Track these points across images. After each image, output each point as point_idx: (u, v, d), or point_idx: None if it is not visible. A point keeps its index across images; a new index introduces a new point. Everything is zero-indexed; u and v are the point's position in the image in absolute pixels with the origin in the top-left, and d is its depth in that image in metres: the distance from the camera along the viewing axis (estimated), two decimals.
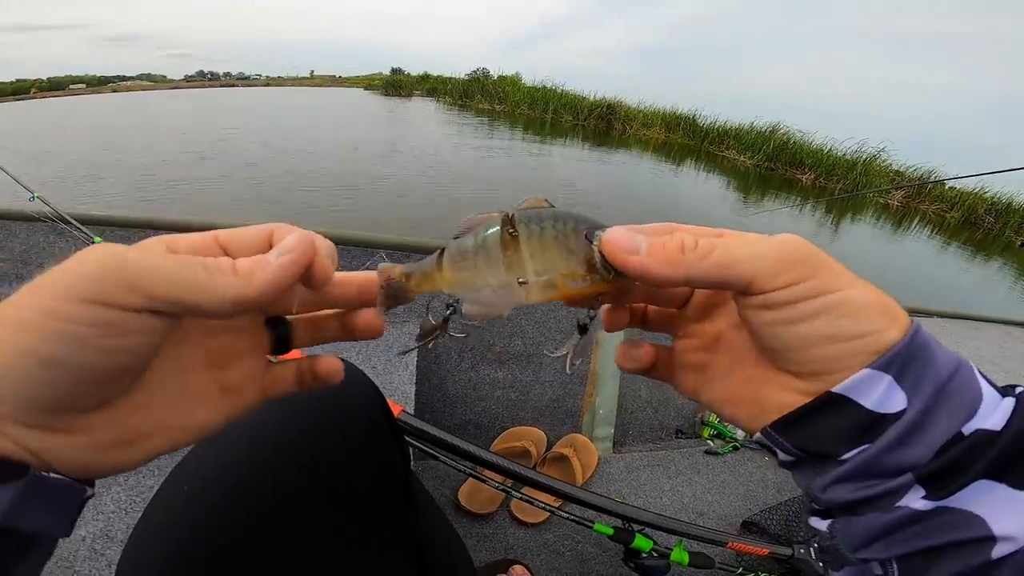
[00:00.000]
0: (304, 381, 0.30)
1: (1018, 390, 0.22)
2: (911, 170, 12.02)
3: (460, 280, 0.26)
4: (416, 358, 1.13)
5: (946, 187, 11.25)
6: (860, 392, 0.21)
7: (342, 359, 0.49)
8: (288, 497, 0.39)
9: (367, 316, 0.29)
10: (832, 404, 0.22)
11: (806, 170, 12.10)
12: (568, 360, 0.29)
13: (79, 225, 1.11)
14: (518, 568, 1.01)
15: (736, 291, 0.24)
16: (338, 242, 1.27)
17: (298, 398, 0.43)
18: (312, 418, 0.43)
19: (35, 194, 1.22)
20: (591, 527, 0.83)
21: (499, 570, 1.01)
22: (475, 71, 20.82)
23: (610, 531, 0.83)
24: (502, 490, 0.85)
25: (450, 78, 20.79)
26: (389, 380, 1.06)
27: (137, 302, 0.20)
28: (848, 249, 6.92)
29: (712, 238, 0.23)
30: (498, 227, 0.25)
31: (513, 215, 0.25)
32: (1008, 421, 0.21)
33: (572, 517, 0.84)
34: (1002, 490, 0.20)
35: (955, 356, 0.22)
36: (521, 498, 0.86)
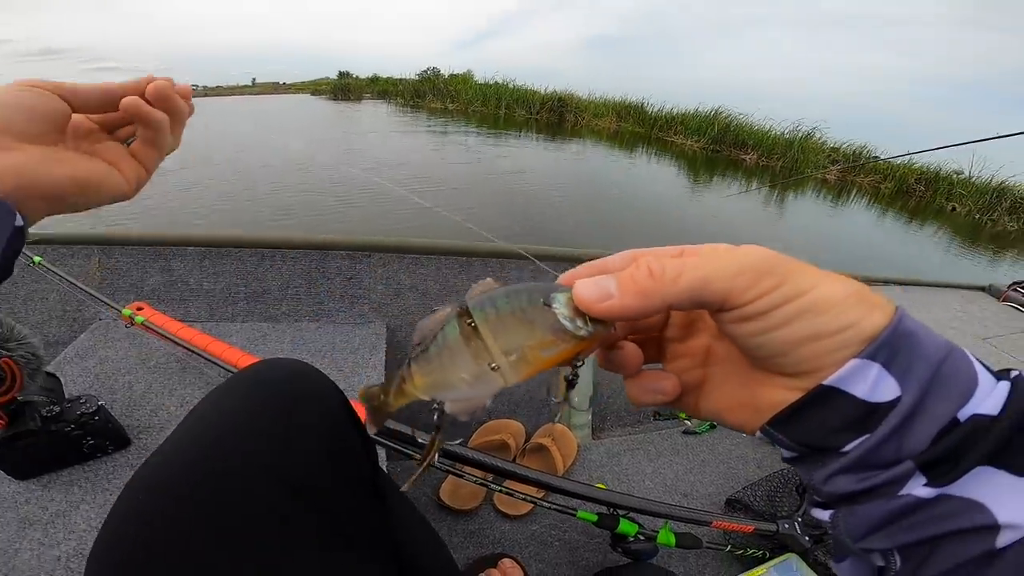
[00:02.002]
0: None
1: (1013, 374, 0.22)
2: (845, 146, 12.64)
3: (433, 383, 0.26)
4: (384, 359, 1.10)
5: (880, 161, 11.92)
6: (850, 382, 0.22)
7: (297, 360, 0.47)
8: (253, 498, 0.38)
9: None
10: (824, 397, 0.22)
11: (749, 150, 12.55)
12: (560, 416, 0.30)
13: None
14: (507, 561, 1.00)
15: (712, 309, 0.24)
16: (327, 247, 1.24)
17: (252, 400, 0.43)
18: (268, 418, 0.42)
19: None
20: (574, 515, 0.83)
21: (488, 564, 0.99)
22: (426, 71, 20.59)
23: (594, 518, 0.83)
24: (483, 485, 0.84)
25: (400, 79, 20.47)
26: (357, 381, 1.03)
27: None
28: (797, 224, 7.24)
29: (676, 259, 0.24)
30: (455, 320, 0.25)
31: (465, 306, 0.25)
32: (1004, 406, 0.21)
33: (555, 507, 0.84)
34: (1004, 477, 0.20)
35: (945, 341, 0.22)
36: (502, 491, 0.85)
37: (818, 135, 12.71)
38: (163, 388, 0.96)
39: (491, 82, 17.85)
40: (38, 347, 0.70)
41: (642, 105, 15.42)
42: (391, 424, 0.74)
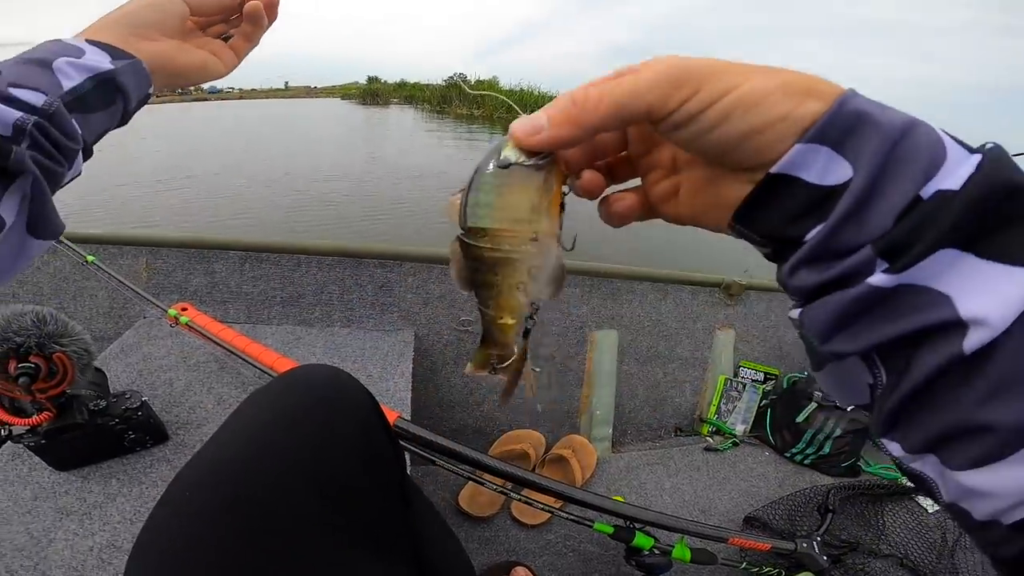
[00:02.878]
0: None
1: (988, 145, 0.20)
2: None
3: (517, 302, 0.29)
4: (411, 365, 1.13)
5: None
6: (798, 167, 0.21)
7: (332, 367, 0.49)
8: (289, 501, 0.40)
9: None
10: (775, 185, 0.22)
11: None
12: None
13: (71, 244, 1.09)
14: (520, 570, 1.01)
15: (645, 123, 0.24)
16: (354, 254, 1.28)
17: (294, 406, 0.45)
18: (309, 424, 0.43)
19: None
20: (591, 526, 0.83)
21: (502, 572, 1.01)
22: (452, 77, 20.86)
23: (610, 530, 0.84)
24: (502, 493, 0.85)
25: (427, 85, 20.86)
26: (385, 387, 1.05)
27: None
28: None
29: (597, 85, 0.24)
30: (456, 246, 0.28)
31: (463, 228, 0.27)
32: (969, 178, 0.18)
33: (572, 517, 0.85)
34: (967, 260, 0.18)
35: (908, 117, 0.20)
36: (521, 500, 0.86)
37: None
38: (202, 386, 1.00)
39: (516, 89, 17.96)
40: (90, 343, 0.73)
41: None
42: (414, 429, 0.76)
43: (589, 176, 0.29)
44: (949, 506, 0.21)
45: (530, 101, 16.74)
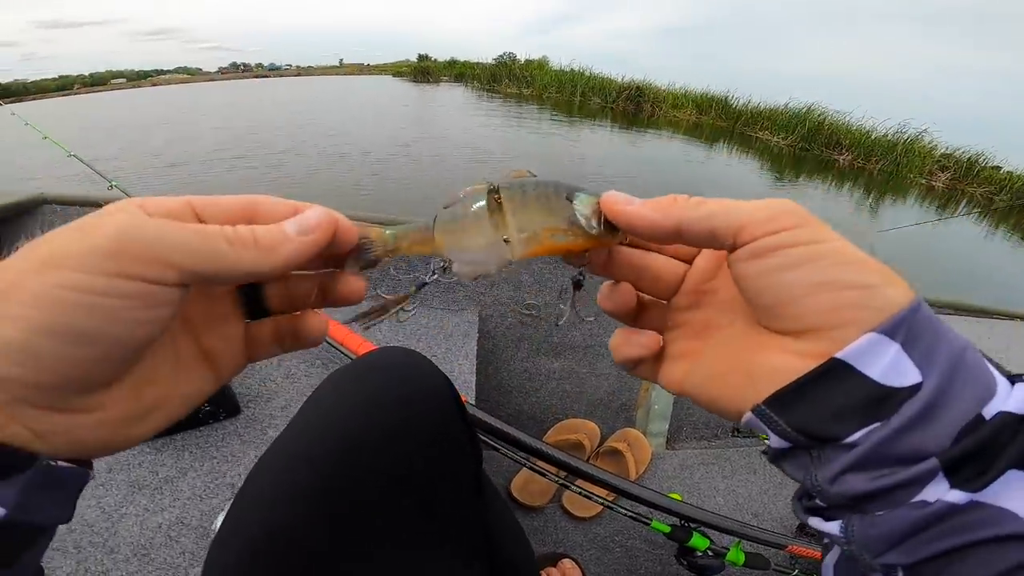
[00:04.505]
0: (284, 341, 0.28)
1: None
2: (958, 152, 11.38)
3: (451, 242, 0.28)
4: (476, 347, 1.13)
5: (1001, 170, 10.72)
6: (864, 360, 0.20)
7: (410, 350, 0.49)
8: (373, 491, 0.40)
9: (350, 281, 0.28)
10: (833, 373, 0.20)
11: (843, 151, 11.63)
12: (567, 316, 0.32)
13: None
14: (567, 562, 1.01)
15: (726, 246, 0.23)
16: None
17: (378, 391, 0.45)
18: (393, 412, 0.43)
19: (112, 182, 1.26)
20: (648, 524, 0.82)
21: (548, 563, 1.01)
22: (502, 55, 20.63)
23: (667, 529, 0.82)
24: (558, 483, 0.85)
25: (477, 63, 20.64)
26: (450, 370, 1.06)
27: (166, 275, 0.20)
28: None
29: (703, 198, 0.24)
30: (484, 195, 0.27)
31: (496, 185, 0.28)
32: None
33: (629, 513, 0.84)
34: None
35: (962, 336, 0.21)
36: (578, 492, 0.86)
37: (926, 138, 11.52)
38: (271, 359, 1.03)
39: (567, 69, 17.60)
40: None
41: (726, 98, 14.66)
42: (479, 414, 0.76)
43: (627, 288, 0.30)
44: None
45: (580, 82, 16.39)
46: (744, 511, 1.20)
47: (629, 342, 0.29)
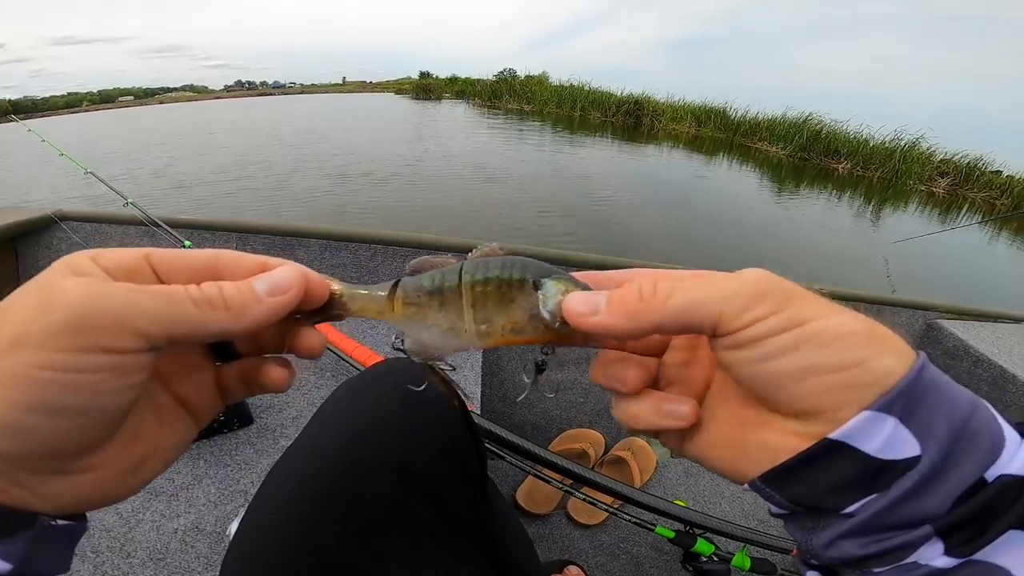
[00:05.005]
0: (250, 385, 0.28)
1: None
2: (957, 157, 11.41)
3: (408, 316, 0.26)
4: (481, 358, 1.15)
5: (1002, 174, 10.74)
6: (860, 437, 0.19)
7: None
8: (381, 493, 0.41)
9: (310, 337, 0.27)
10: (829, 452, 0.20)
11: (842, 159, 11.72)
12: (526, 393, 0.30)
13: (169, 228, 1.18)
14: (573, 569, 1.02)
15: (706, 334, 0.22)
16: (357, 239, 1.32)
17: (388, 399, 0.46)
18: (403, 419, 0.45)
19: (128, 200, 1.30)
20: (652, 529, 0.83)
21: (554, 570, 1.02)
22: (502, 71, 20.90)
23: (671, 534, 0.83)
24: (564, 490, 0.87)
25: (478, 80, 20.92)
26: (458, 378, 1.08)
27: (136, 344, 0.20)
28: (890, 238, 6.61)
29: (669, 281, 0.23)
30: (454, 274, 0.26)
31: (462, 266, 0.26)
32: None
33: (633, 519, 0.85)
34: None
35: (969, 394, 0.20)
36: (583, 499, 0.87)
37: (924, 144, 11.59)
38: None
39: (566, 84, 17.80)
40: None
41: (724, 110, 14.80)
42: (484, 423, 0.78)
43: (635, 366, 0.27)
44: None
45: (580, 97, 16.55)
46: (750, 517, 1.21)
47: (660, 411, 0.26)
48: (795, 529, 0.23)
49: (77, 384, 0.19)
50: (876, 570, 0.20)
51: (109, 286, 0.20)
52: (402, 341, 0.27)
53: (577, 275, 0.26)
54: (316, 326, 0.28)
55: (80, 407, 0.19)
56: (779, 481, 0.22)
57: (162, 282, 0.23)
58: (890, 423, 0.19)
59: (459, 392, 0.30)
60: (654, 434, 0.27)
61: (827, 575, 0.23)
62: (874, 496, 0.20)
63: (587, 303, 0.23)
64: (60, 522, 0.21)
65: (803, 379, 0.20)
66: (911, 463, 0.19)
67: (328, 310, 0.27)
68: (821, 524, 0.21)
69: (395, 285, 0.27)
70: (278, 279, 0.24)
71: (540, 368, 0.30)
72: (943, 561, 0.19)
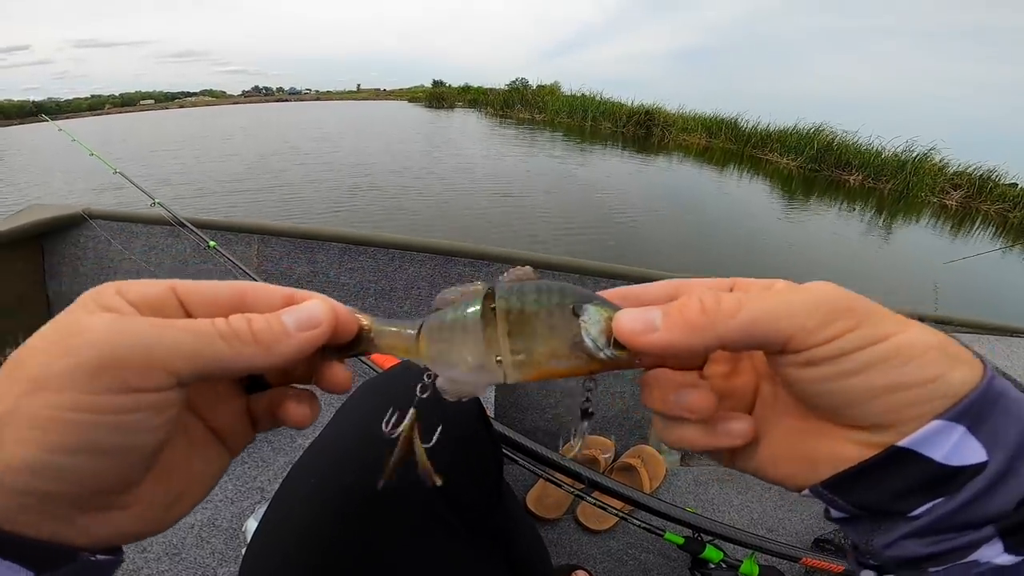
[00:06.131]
0: (276, 419, 0.27)
1: None
2: (970, 169, 11.24)
3: (436, 353, 0.24)
4: None
5: (1017, 187, 10.58)
6: (929, 445, 0.19)
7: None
8: (407, 495, 0.41)
9: (337, 373, 0.27)
10: (896, 459, 0.20)
11: (853, 171, 11.61)
12: (578, 448, 0.26)
13: (194, 228, 1.21)
14: (580, 573, 1.02)
15: (771, 350, 0.21)
16: (375, 243, 1.34)
17: (408, 401, 0.47)
18: (426, 420, 0.46)
19: (155, 200, 1.33)
20: (662, 535, 0.84)
21: (562, 575, 1.03)
22: (514, 81, 21.10)
23: (681, 540, 0.84)
24: (575, 494, 0.88)
25: (490, 89, 21.12)
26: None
27: (165, 381, 0.20)
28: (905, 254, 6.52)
29: (730, 293, 0.21)
30: (479, 302, 0.24)
31: (494, 290, 0.24)
32: None
33: (643, 525, 0.86)
34: None
35: None
36: (594, 503, 0.88)
37: (936, 156, 11.43)
38: None
39: (578, 94, 17.88)
40: None
41: (735, 121, 14.76)
42: (498, 427, 0.79)
43: (705, 393, 0.24)
44: None
45: (591, 107, 16.61)
46: (759, 526, 1.21)
47: (715, 431, 0.24)
48: (854, 531, 0.23)
49: (107, 424, 0.19)
50: (932, 569, 0.20)
51: (136, 323, 0.20)
52: (433, 380, 0.25)
53: (604, 293, 0.25)
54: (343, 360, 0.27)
55: (112, 447, 0.19)
56: (843, 487, 0.22)
57: (189, 315, 0.22)
58: (958, 432, 0.19)
59: (430, 470, 0.28)
60: (704, 452, 0.26)
61: (884, 573, 0.23)
62: (941, 500, 0.20)
63: (642, 320, 0.22)
64: (100, 557, 0.21)
65: (881, 396, 0.20)
66: (978, 469, 0.19)
67: (356, 345, 0.26)
68: (883, 526, 0.21)
69: (422, 324, 0.25)
70: (308, 313, 0.23)
71: (586, 413, 0.26)
72: (1005, 559, 0.19)
